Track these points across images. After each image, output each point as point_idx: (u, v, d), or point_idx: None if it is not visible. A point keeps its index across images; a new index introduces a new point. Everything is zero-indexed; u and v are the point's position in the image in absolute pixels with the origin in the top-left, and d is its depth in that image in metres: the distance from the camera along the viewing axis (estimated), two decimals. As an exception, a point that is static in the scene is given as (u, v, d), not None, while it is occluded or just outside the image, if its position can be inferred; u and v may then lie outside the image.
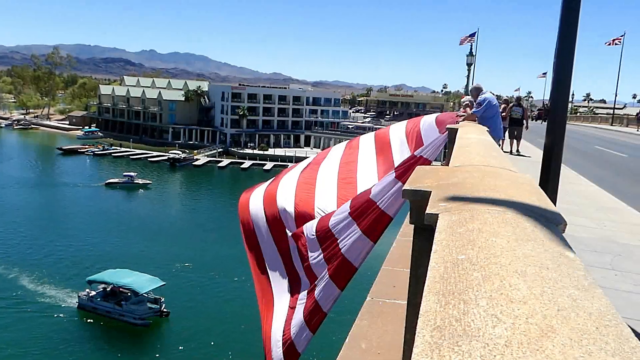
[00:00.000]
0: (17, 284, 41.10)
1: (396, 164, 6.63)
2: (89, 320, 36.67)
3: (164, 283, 38.43)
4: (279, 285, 6.74)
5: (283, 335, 6.14)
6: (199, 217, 66.84)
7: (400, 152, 7.28)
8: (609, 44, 56.14)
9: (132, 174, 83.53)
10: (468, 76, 34.48)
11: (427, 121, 7.60)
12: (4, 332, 33.54)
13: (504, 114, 18.98)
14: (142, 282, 37.93)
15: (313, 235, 6.04)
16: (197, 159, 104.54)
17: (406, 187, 2.63)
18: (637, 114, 54.70)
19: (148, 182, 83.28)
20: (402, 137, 7.58)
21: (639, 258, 7.06)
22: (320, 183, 6.90)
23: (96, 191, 78.07)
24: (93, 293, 38.03)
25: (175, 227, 61.08)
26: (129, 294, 37.64)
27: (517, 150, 19.77)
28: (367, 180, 6.81)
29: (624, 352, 1.01)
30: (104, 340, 35.04)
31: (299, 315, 6.01)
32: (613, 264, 6.61)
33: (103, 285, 38.61)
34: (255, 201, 7.50)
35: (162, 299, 37.76)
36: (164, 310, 37.44)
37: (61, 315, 36.97)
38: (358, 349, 3.46)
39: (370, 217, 5.75)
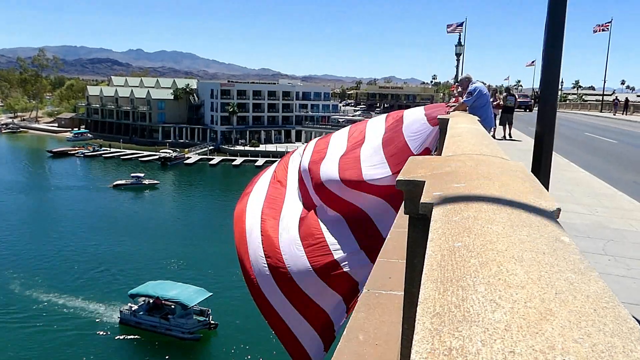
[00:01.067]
0: (52, 299, 38.58)
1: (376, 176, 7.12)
2: (133, 337, 34.34)
3: (211, 294, 36.12)
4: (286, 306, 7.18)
5: (319, 324, 6.64)
6: (211, 219, 63.31)
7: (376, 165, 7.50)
8: (597, 31, 56.39)
9: (140, 174, 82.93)
10: (457, 66, 34.61)
11: (411, 118, 7.64)
12: (44, 351, 31.64)
13: (500, 102, 19.60)
14: (189, 294, 35.70)
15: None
16: (188, 158, 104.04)
17: (400, 177, 2.63)
18: (614, 100, 55.35)
19: (156, 182, 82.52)
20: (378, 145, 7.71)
21: (631, 243, 7.11)
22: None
23: (105, 193, 76.12)
24: (135, 307, 35.83)
25: (196, 229, 58.34)
26: (173, 306, 35.31)
27: (510, 135, 20.44)
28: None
29: (622, 332, 1.02)
30: (153, 357, 32.79)
31: (337, 304, 6.58)
32: (606, 249, 6.67)
33: (144, 299, 36.30)
34: (251, 219, 7.91)
35: (209, 311, 35.62)
36: (212, 322, 35.32)
37: (103, 332, 34.56)
38: (356, 341, 3.47)
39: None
